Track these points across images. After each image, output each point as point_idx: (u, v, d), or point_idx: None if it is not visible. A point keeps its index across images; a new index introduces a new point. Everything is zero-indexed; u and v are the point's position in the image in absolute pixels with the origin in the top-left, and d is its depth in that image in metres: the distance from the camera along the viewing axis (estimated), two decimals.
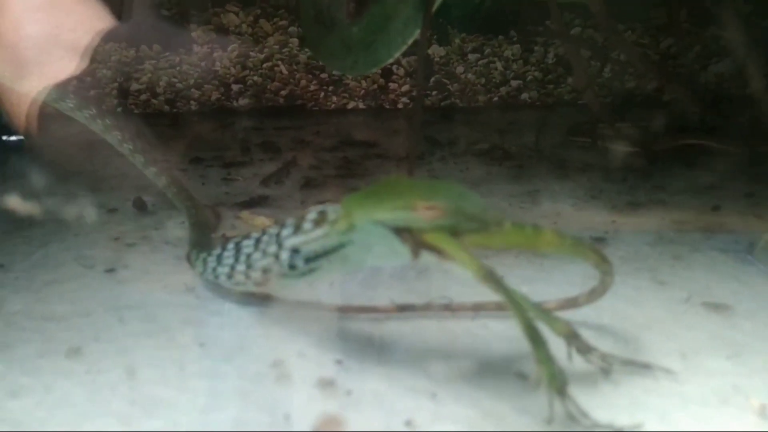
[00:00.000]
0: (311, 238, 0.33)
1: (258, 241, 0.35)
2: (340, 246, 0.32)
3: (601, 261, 0.33)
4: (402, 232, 0.30)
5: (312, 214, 0.33)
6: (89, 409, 0.31)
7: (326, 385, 0.32)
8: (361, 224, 0.30)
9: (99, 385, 0.33)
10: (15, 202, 0.54)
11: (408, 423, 0.29)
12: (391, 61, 0.50)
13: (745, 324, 0.38)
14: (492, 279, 0.29)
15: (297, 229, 0.33)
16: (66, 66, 0.59)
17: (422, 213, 0.29)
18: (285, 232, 0.34)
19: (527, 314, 0.29)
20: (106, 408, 0.31)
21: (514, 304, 0.29)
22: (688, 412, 0.30)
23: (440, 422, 0.30)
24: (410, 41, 0.49)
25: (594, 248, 0.33)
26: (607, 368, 0.32)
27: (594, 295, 0.35)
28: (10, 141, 0.75)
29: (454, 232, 0.29)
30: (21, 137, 0.73)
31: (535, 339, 0.29)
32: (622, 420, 0.29)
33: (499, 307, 0.37)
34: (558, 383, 0.29)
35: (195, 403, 0.31)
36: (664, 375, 0.33)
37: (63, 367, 0.34)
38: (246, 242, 0.36)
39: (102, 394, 0.32)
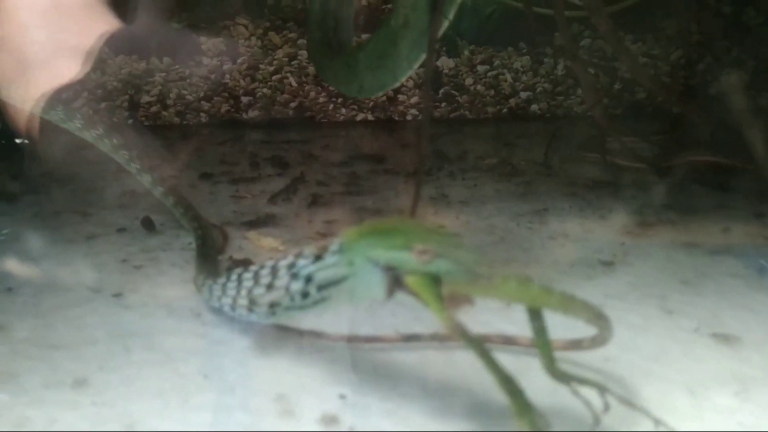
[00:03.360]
0: (325, 265, 0.33)
1: (258, 274, 0.36)
2: (345, 277, 0.32)
3: (595, 317, 0.32)
4: (388, 270, 0.30)
5: (334, 245, 0.33)
6: None
7: (330, 421, 0.32)
8: (358, 259, 0.31)
9: (103, 417, 0.33)
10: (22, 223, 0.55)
11: None
12: (397, 85, 0.50)
13: (754, 357, 0.37)
14: (459, 332, 0.29)
15: (317, 258, 0.33)
16: (70, 70, 0.59)
17: (415, 255, 0.29)
18: (302, 261, 0.34)
19: (499, 367, 0.29)
20: None
21: (486, 359, 0.29)
22: None
23: None
24: (416, 66, 0.48)
25: (586, 304, 0.32)
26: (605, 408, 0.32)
27: (596, 342, 0.34)
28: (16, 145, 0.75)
29: (440, 280, 0.29)
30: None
31: (512, 391, 0.29)
32: None
33: (506, 341, 0.37)
34: (539, 428, 0.28)
35: None
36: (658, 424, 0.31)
37: (68, 399, 0.34)
38: (246, 275, 0.36)
39: (106, 428, 0.32)
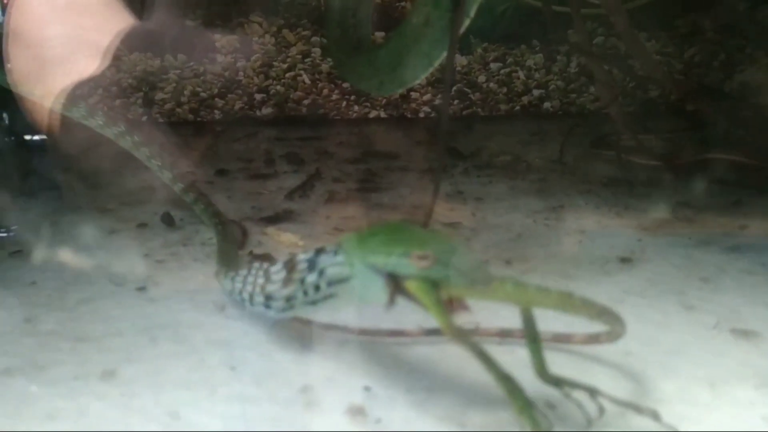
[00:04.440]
0: (336, 261, 0.34)
1: (276, 269, 0.36)
2: (347, 279, 0.33)
3: (598, 314, 0.32)
4: (389, 276, 0.31)
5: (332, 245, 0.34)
6: None
7: (356, 412, 0.32)
8: (358, 263, 0.32)
9: (133, 408, 0.33)
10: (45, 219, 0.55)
11: None
12: (418, 82, 0.51)
13: None
14: (459, 336, 0.30)
15: (334, 254, 0.34)
16: (89, 66, 0.60)
17: (414, 261, 0.30)
18: (323, 256, 0.35)
19: (499, 368, 0.30)
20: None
21: (485, 361, 0.30)
22: None
23: None
24: (437, 63, 0.49)
25: (587, 301, 0.31)
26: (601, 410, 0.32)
27: (611, 336, 0.34)
28: (33, 141, 0.75)
29: (439, 284, 0.30)
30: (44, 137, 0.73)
31: (511, 389, 0.29)
32: None
33: (502, 333, 0.37)
34: (540, 427, 0.29)
35: (226, 428, 0.32)
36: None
37: (98, 390, 0.35)
38: (265, 269, 0.37)
39: (136, 418, 0.33)
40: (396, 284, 0.31)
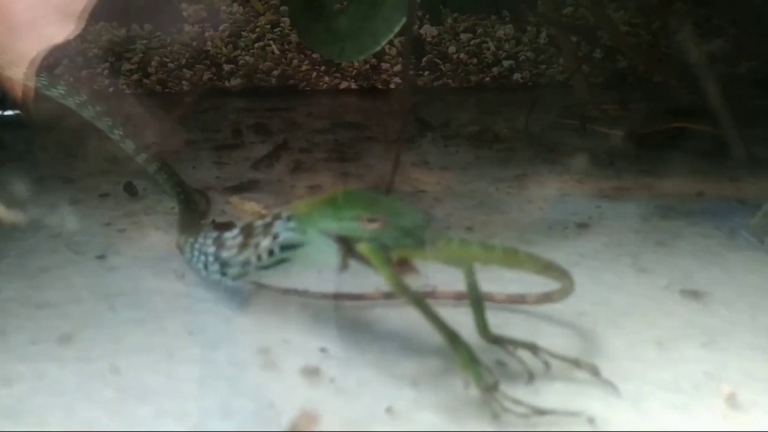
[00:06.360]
0: (288, 227, 0.35)
1: (232, 235, 0.37)
2: (300, 244, 0.34)
3: (544, 268, 0.33)
4: (340, 241, 0.32)
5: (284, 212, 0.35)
6: (81, 395, 0.32)
7: (311, 373, 0.33)
8: (310, 229, 0.33)
9: (89, 372, 0.33)
10: (6, 187, 0.55)
11: (389, 410, 0.30)
12: (378, 48, 0.51)
13: (722, 311, 0.39)
14: (408, 296, 0.31)
15: (287, 220, 0.35)
16: (58, 34, 0.59)
17: (364, 225, 0.31)
18: (279, 221, 0.35)
19: (445, 325, 0.31)
20: (96, 394, 0.32)
21: (432, 318, 0.31)
22: (659, 399, 0.31)
23: (421, 410, 0.31)
24: (396, 29, 0.49)
25: (532, 256, 0.32)
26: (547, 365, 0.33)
27: (564, 291, 0.35)
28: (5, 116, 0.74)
29: (389, 247, 0.31)
30: (17, 113, 0.72)
31: (456, 344, 0.30)
32: (596, 406, 0.30)
33: (457, 296, 0.38)
34: (485, 382, 0.30)
35: (183, 390, 0.32)
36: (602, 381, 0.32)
37: (55, 354, 0.35)
38: (222, 235, 0.38)
39: (93, 381, 0.33)
40: (348, 248, 0.32)
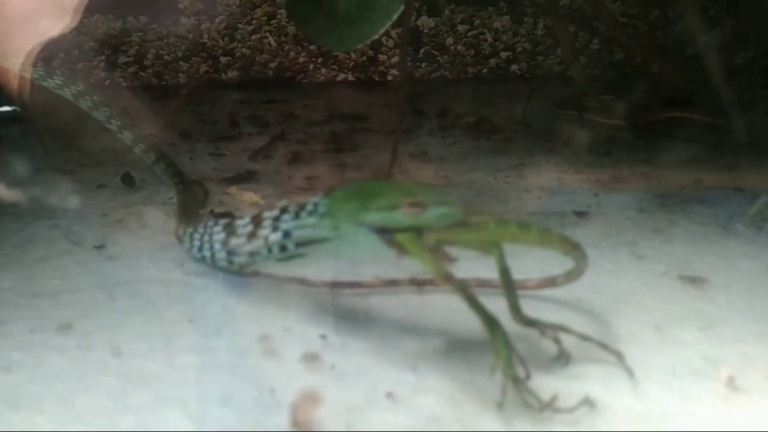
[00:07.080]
0: (305, 224, 0.34)
1: (240, 224, 0.36)
2: (328, 239, 0.33)
3: (572, 248, 0.33)
4: (383, 233, 0.31)
5: (310, 205, 0.34)
6: (80, 383, 0.32)
7: (311, 359, 0.33)
8: (345, 224, 0.32)
9: (89, 360, 0.34)
10: (4, 179, 0.55)
11: (389, 395, 0.30)
12: (376, 37, 0.51)
13: (720, 296, 0.39)
14: (450, 280, 0.31)
15: (296, 215, 0.34)
16: (55, 23, 0.59)
17: (406, 210, 0.30)
18: (285, 216, 0.35)
19: (484, 309, 0.30)
20: (96, 382, 0.32)
21: (471, 303, 0.31)
22: (658, 382, 0.31)
23: (420, 394, 0.31)
24: (395, 17, 0.49)
25: (563, 236, 0.33)
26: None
27: (571, 276, 0.35)
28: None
29: (423, 234, 0.31)
30: (14, 108, 0.72)
31: (494, 331, 0.30)
32: (595, 389, 0.30)
33: (481, 283, 0.38)
34: (513, 372, 0.30)
35: (183, 377, 0.32)
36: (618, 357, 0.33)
37: (54, 343, 0.35)
38: (228, 225, 0.37)
39: (92, 369, 0.33)
40: (388, 238, 0.31)
